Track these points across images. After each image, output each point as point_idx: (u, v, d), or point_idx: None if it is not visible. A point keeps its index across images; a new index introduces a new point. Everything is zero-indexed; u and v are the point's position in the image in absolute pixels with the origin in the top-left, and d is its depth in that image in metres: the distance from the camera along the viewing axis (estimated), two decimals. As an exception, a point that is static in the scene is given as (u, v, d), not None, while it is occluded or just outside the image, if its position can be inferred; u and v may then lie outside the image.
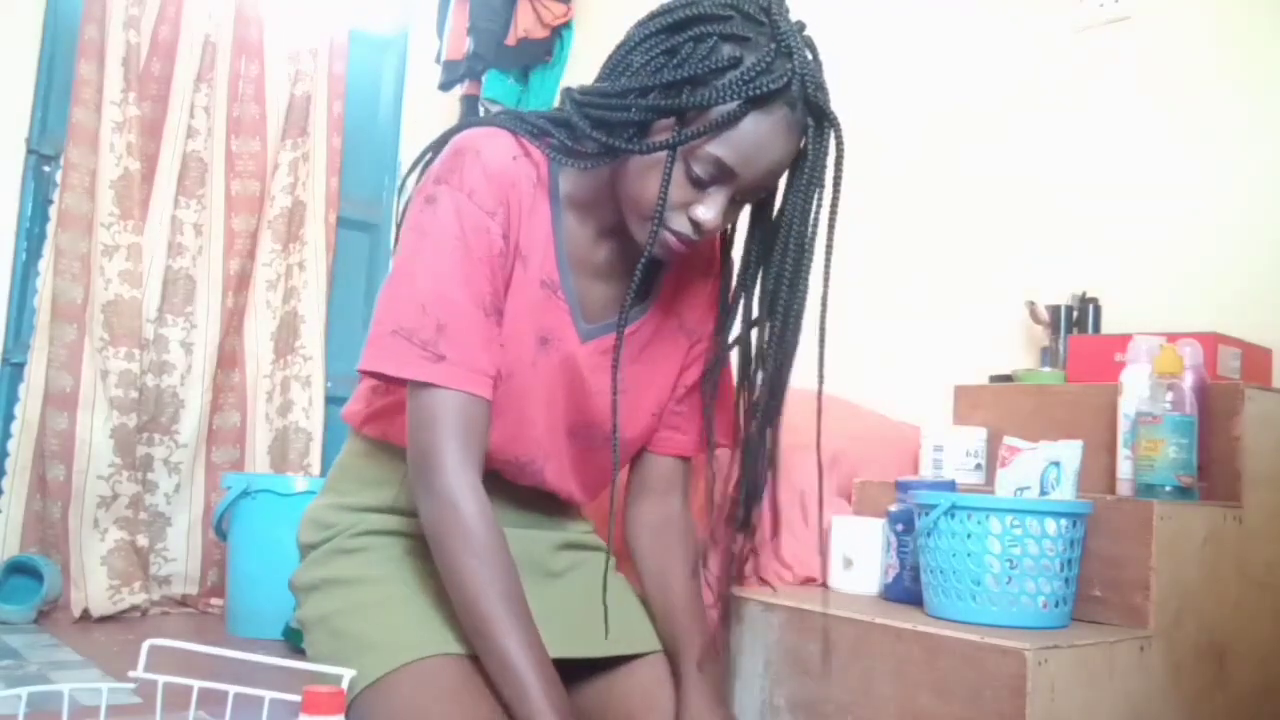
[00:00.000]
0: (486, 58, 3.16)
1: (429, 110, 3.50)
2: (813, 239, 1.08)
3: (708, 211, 1.03)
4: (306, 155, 3.17)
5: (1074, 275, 1.95)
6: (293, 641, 2.37)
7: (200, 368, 2.96)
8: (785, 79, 0.98)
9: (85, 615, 2.62)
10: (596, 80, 1.08)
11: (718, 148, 0.99)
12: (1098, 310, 1.87)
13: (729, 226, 1.18)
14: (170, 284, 2.93)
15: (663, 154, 1.00)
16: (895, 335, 2.32)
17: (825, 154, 1.06)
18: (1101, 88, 2.03)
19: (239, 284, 3.05)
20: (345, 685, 0.83)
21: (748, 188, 1.04)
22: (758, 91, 0.97)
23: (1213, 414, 1.40)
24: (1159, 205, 1.91)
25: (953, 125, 2.28)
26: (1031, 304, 1.94)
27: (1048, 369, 1.80)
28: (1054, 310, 1.89)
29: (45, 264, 2.79)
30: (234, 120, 3.08)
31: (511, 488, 1.17)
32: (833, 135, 1.05)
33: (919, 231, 2.32)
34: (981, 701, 1.11)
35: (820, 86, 1.03)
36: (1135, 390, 1.40)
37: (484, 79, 3.21)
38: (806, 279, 1.10)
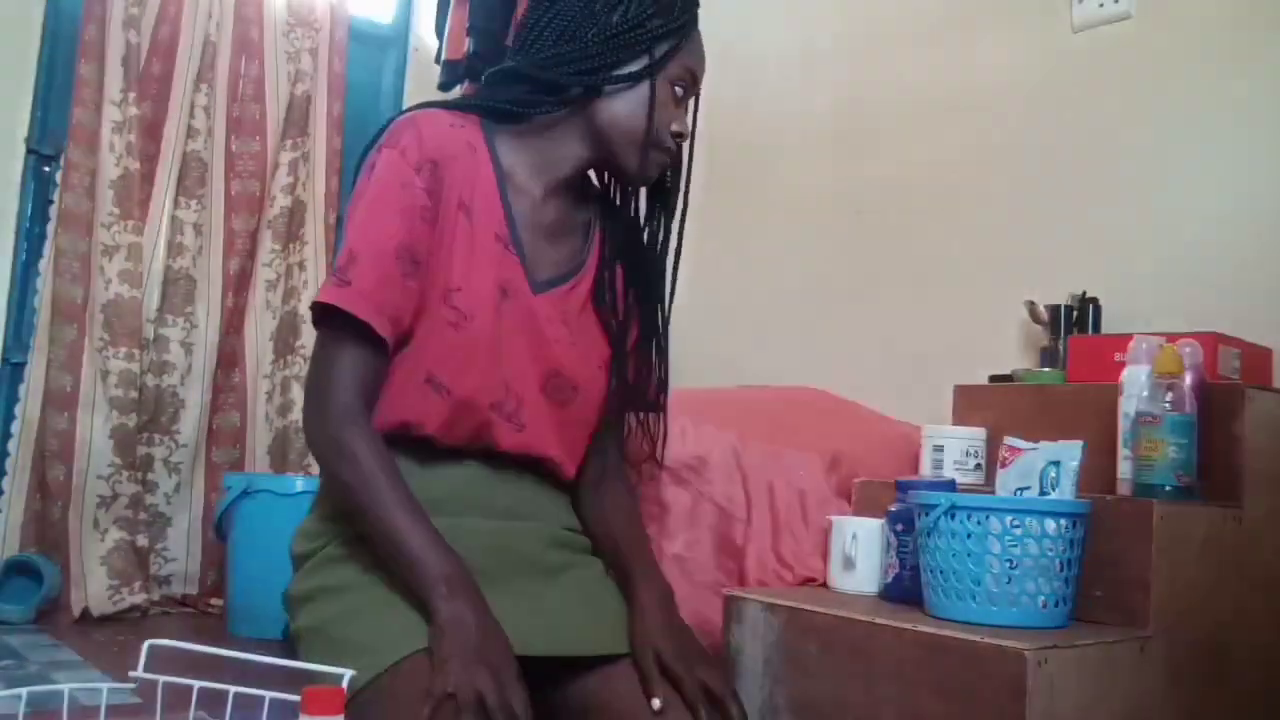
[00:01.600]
0: (486, 58, 3.15)
1: (429, 110, 3.50)
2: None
3: (683, 121, 1.18)
4: (306, 155, 3.17)
5: (1074, 275, 1.95)
6: (293, 642, 2.37)
7: (200, 368, 2.96)
8: None
9: (85, 615, 2.62)
10: (527, 42, 1.20)
11: (687, 58, 1.16)
12: (1098, 310, 1.87)
13: None
14: (170, 284, 2.93)
15: (646, 85, 1.14)
16: (895, 335, 2.32)
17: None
18: (1101, 88, 2.03)
19: (239, 284, 3.04)
20: (345, 685, 0.83)
21: (696, 91, 1.20)
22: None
23: (1213, 414, 1.40)
24: (1159, 205, 1.91)
25: (952, 124, 2.28)
26: (1031, 304, 1.94)
27: (1048, 369, 1.80)
28: (1054, 310, 1.89)
29: (45, 264, 2.79)
30: (234, 120, 3.08)
31: (501, 467, 1.18)
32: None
33: (919, 231, 2.32)
34: (981, 701, 1.11)
35: None
36: (1135, 390, 1.40)
37: (484, 79, 3.21)
38: (688, 179, 1.25)
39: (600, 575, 1.24)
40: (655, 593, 1.17)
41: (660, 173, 1.20)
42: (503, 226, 1.17)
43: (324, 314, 1.10)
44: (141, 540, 2.79)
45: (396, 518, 1.05)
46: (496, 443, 1.17)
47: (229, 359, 3.04)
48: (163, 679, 0.93)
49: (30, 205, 2.88)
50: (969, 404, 1.70)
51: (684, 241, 1.28)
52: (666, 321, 1.28)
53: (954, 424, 1.68)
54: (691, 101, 1.22)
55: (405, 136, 1.13)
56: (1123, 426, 1.43)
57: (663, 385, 1.30)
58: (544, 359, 1.18)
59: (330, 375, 1.09)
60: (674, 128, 1.17)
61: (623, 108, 1.16)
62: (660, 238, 1.27)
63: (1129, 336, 1.50)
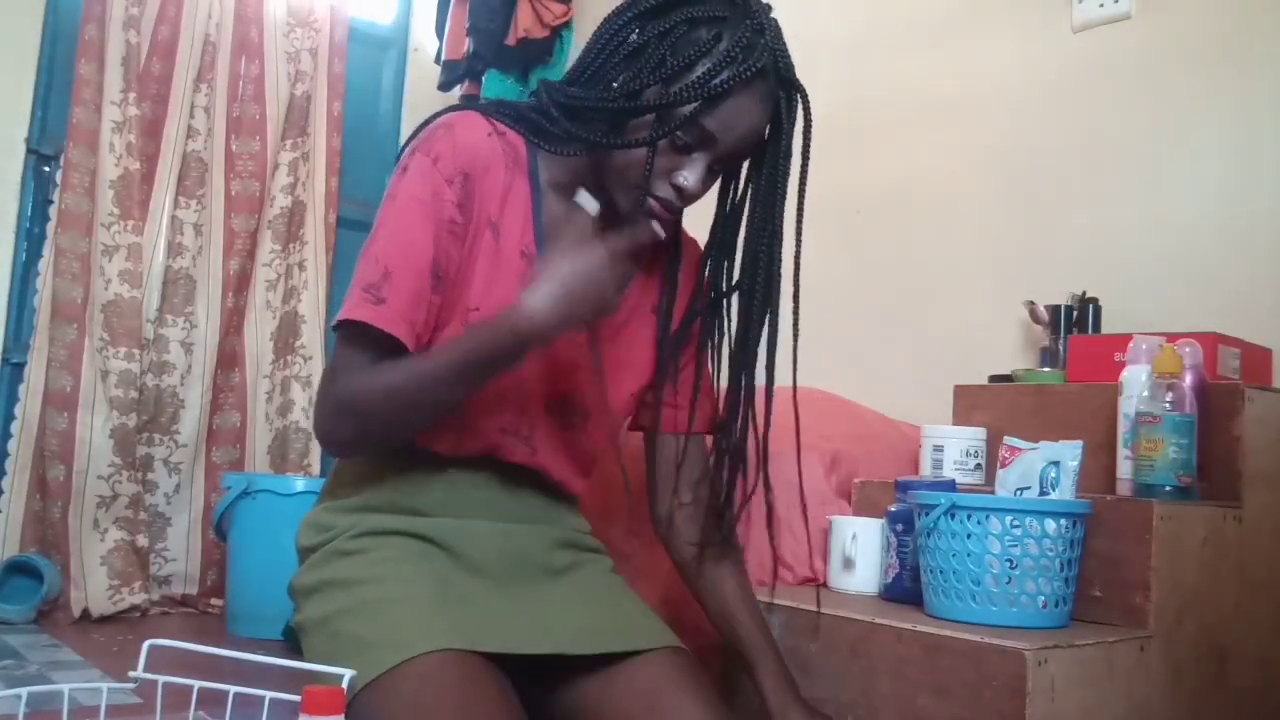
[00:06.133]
0: (486, 58, 3.16)
1: (429, 110, 3.47)
2: (783, 207, 1.14)
3: (690, 176, 1.09)
4: (306, 155, 3.17)
5: (1074, 275, 1.95)
6: (293, 641, 2.37)
7: (200, 368, 2.96)
8: (763, 55, 1.06)
9: (85, 615, 2.62)
10: (575, 69, 1.14)
11: (711, 122, 1.06)
12: (1098, 310, 1.87)
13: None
14: (170, 284, 2.93)
15: (648, 122, 1.06)
16: (895, 335, 2.32)
17: (794, 124, 1.12)
18: (1101, 88, 2.03)
19: (239, 284, 3.04)
20: (345, 685, 0.83)
21: (725, 154, 1.10)
22: (743, 73, 1.04)
23: (1213, 414, 1.40)
24: (1159, 205, 1.91)
25: (952, 124, 2.28)
26: (1031, 304, 1.94)
27: (1048, 369, 1.80)
28: (1054, 310, 1.89)
29: (45, 264, 2.79)
30: (234, 120, 3.08)
31: (510, 476, 1.18)
32: (801, 106, 1.12)
33: (919, 231, 2.32)
34: (981, 701, 1.11)
35: (789, 60, 1.10)
36: (1135, 390, 1.40)
37: (484, 79, 3.21)
38: (781, 249, 1.16)
39: (606, 574, 1.24)
40: (784, 678, 1.18)
41: (657, 221, 1.10)
42: (531, 243, 1.14)
43: (352, 324, 1.06)
44: (141, 540, 2.79)
45: (442, 364, 1.04)
46: (506, 458, 1.17)
47: (229, 359, 3.04)
48: (163, 679, 0.93)
49: (30, 205, 2.88)
50: (969, 404, 1.70)
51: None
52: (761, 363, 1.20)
53: (954, 424, 1.68)
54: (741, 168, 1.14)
55: (441, 143, 1.10)
56: (1123, 426, 1.43)
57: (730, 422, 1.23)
58: (553, 383, 1.17)
59: (358, 355, 1.07)
60: (676, 179, 1.08)
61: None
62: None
63: (1129, 336, 1.50)
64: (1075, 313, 1.88)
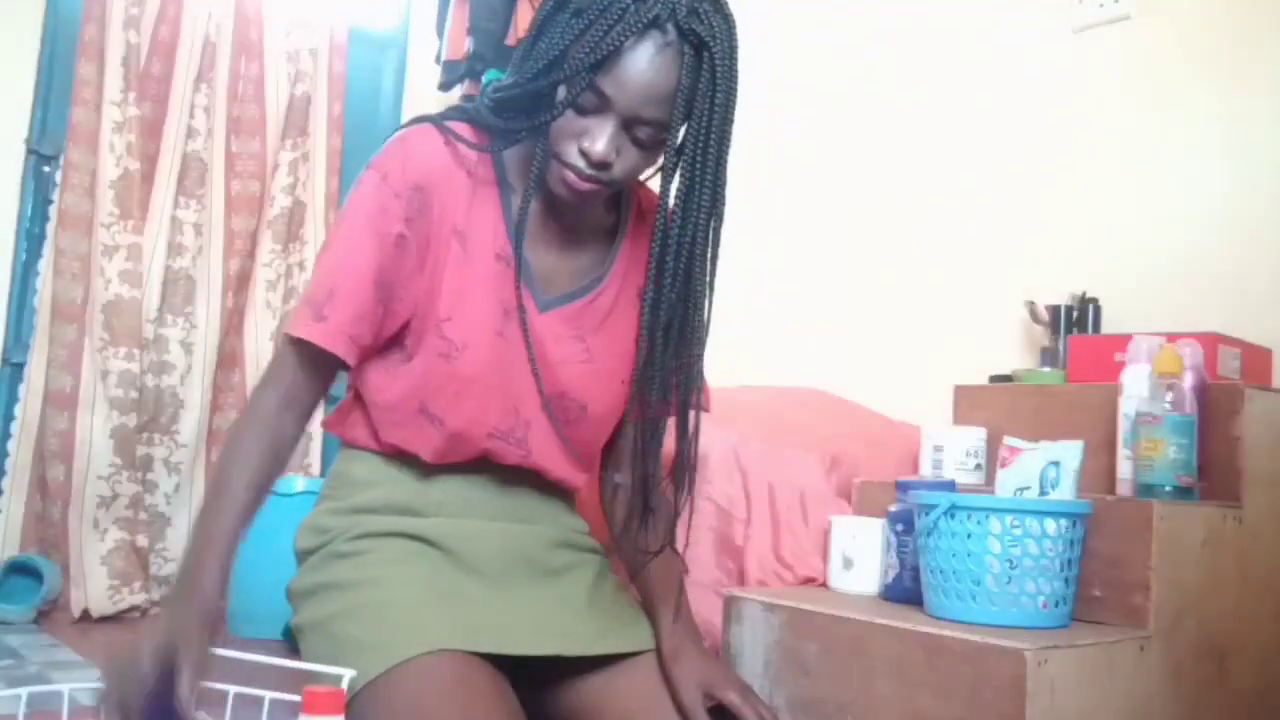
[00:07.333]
0: (487, 58, 3.16)
1: (429, 110, 3.49)
2: (703, 175, 1.08)
3: (594, 142, 1.05)
4: (306, 155, 3.17)
5: (1074, 275, 1.95)
6: (293, 641, 2.37)
7: (200, 368, 2.96)
8: (655, 6, 1.00)
9: (85, 615, 2.62)
10: (511, 64, 1.13)
11: (606, 83, 1.02)
12: (1098, 310, 1.87)
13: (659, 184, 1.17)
14: (170, 284, 2.93)
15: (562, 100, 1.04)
16: (895, 335, 2.32)
17: (704, 84, 1.05)
18: (1101, 88, 2.03)
19: (239, 284, 3.04)
20: (345, 685, 0.83)
21: (629, 116, 1.04)
22: (632, 26, 1.00)
23: (1213, 414, 1.40)
24: (1159, 205, 1.91)
25: (953, 124, 2.28)
26: (1031, 304, 1.94)
27: (1048, 369, 1.80)
28: (1054, 310, 1.89)
29: (45, 264, 2.79)
30: (234, 120, 3.08)
31: (506, 477, 1.18)
32: (710, 64, 1.04)
33: (919, 231, 2.32)
34: (981, 701, 1.11)
35: (699, 15, 1.03)
36: (1135, 390, 1.40)
37: (484, 79, 3.21)
38: (701, 222, 1.10)
39: (604, 574, 1.24)
40: (684, 627, 1.18)
41: (574, 192, 1.07)
42: (505, 245, 1.13)
43: (296, 338, 1.09)
44: (141, 540, 2.79)
45: (218, 516, 1.05)
46: (500, 461, 1.17)
47: (229, 359, 3.04)
48: (163, 679, 0.93)
49: (30, 205, 2.88)
50: (969, 404, 1.69)
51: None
52: (656, 337, 1.14)
53: (954, 424, 1.68)
54: (644, 135, 1.07)
55: (392, 159, 1.10)
56: (1123, 426, 1.43)
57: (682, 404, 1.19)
58: (548, 381, 1.16)
59: (280, 380, 1.11)
60: (582, 144, 1.05)
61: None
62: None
63: (1129, 336, 1.50)
64: (1075, 313, 1.88)
